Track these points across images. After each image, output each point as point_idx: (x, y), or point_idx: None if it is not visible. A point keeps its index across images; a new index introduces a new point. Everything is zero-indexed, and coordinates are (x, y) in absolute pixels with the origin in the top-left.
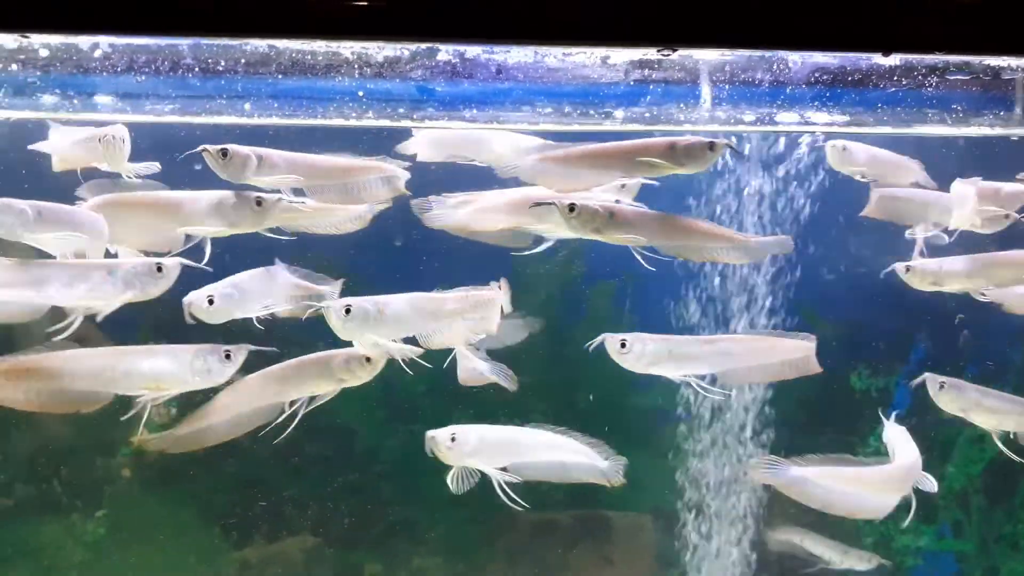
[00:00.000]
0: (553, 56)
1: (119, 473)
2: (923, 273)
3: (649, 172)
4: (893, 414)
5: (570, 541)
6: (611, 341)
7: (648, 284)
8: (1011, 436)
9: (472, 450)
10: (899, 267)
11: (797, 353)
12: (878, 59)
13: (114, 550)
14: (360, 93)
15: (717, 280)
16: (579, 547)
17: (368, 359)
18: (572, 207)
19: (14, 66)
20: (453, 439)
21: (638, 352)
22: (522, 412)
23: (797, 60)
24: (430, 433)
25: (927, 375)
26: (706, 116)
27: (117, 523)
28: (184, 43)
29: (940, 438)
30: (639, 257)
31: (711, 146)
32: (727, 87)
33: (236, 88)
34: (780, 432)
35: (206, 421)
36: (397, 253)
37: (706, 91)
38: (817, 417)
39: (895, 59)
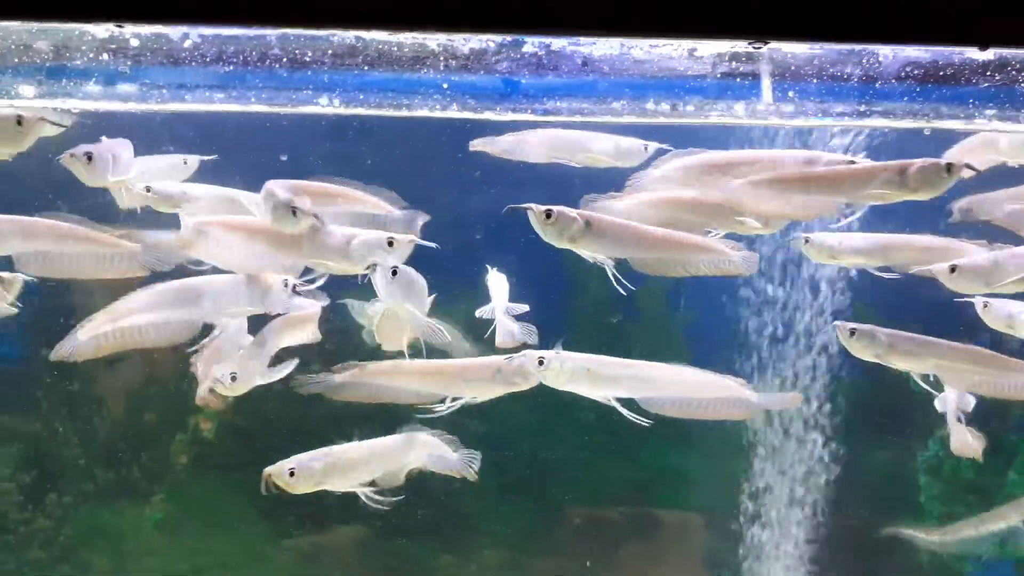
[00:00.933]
0: (639, 48)
1: (177, 461)
2: (820, 247)
3: (877, 200)
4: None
5: (620, 538)
6: (531, 357)
7: (705, 281)
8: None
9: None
10: (800, 240)
11: (726, 393)
12: (973, 54)
13: (170, 536)
14: (445, 85)
15: (777, 276)
16: (629, 545)
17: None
18: (549, 214)
19: (105, 56)
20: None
21: (556, 369)
22: (573, 409)
23: (888, 54)
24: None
25: (837, 323)
26: (789, 111)
27: (175, 510)
28: (272, 34)
29: (1003, 445)
30: (613, 277)
31: (948, 168)
32: (814, 82)
33: (322, 79)
34: (836, 432)
35: (370, 379)
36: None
37: (766, 84)
38: (875, 418)
39: (990, 54)
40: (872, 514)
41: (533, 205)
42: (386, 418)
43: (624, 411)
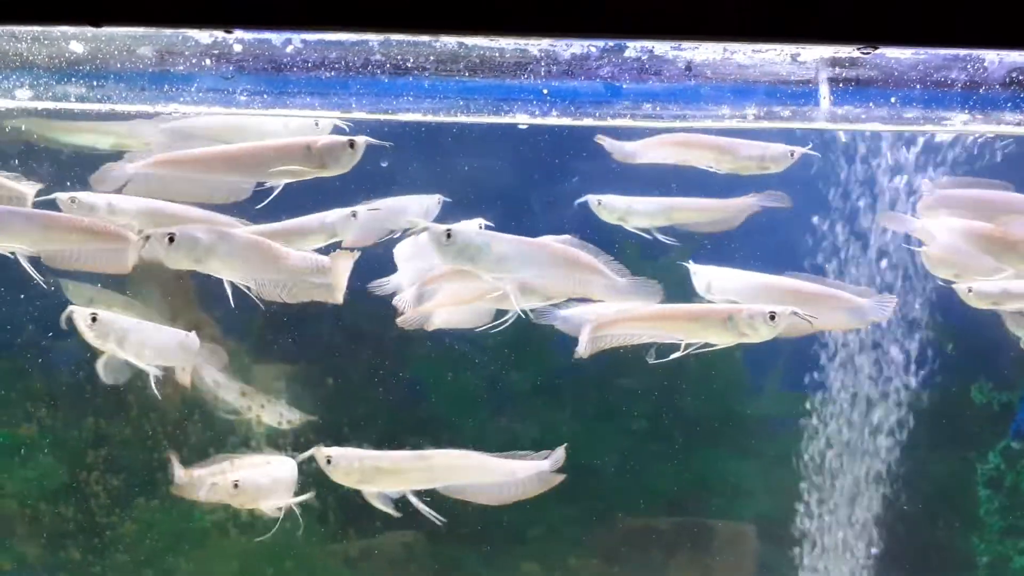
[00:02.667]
0: (742, 53)
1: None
2: (612, 209)
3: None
4: None
5: (670, 547)
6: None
7: None
8: None
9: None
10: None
11: (528, 472)
12: None
13: (220, 537)
14: (545, 91)
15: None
16: (679, 554)
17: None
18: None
19: (207, 61)
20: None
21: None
22: (625, 416)
23: (994, 60)
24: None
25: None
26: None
27: (224, 514)
28: (375, 39)
29: None
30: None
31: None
32: (918, 87)
33: (423, 85)
34: (894, 443)
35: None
36: None
37: (824, 90)
38: (935, 429)
39: None
40: (930, 527)
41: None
42: (440, 428)
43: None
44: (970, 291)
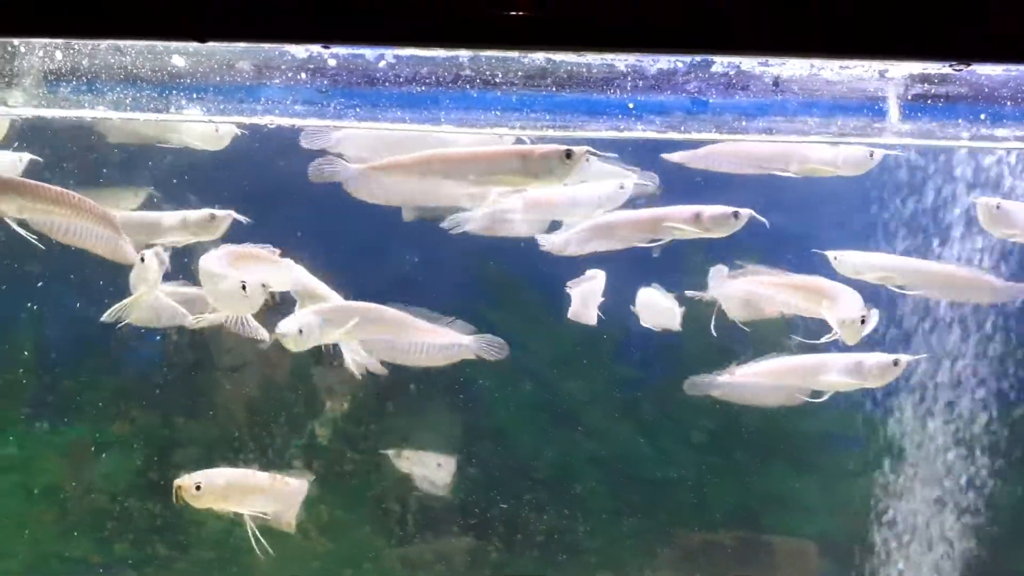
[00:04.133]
0: (830, 69)
1: (295, 466)
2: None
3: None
4: None
5: (732, 563)
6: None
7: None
8: None
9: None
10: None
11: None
12: None
13: (282, 541)
14: (631, 105)
15: None
16: (741, 570)
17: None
18: None
19: (303, 75)
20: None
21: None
22: (683, 429)
23: None
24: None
25: None
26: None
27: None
28: (464, 55)
29: None
30: None
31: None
32: (1009, 104)
33: (511, 100)
34: (968, 458)
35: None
36: None
37: (893, 105)
38: (1008, 447)
39: None
40: (1008, 546)
41: None
42: (497, 437)
43: None
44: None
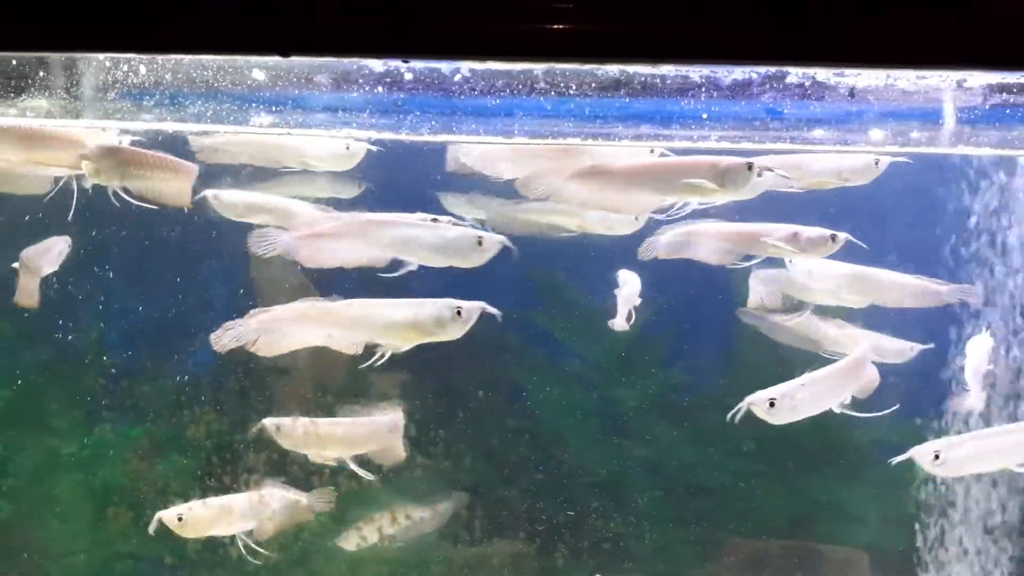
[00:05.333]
0: (906, 79)
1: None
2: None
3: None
4: None
5: (780, 572)
6: None
7: None
8: None
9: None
10: None
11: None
12: None
13: (327, 539)
14: (704, 115)
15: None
16: None
17: None
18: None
19: (380, 88)
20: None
21: None
22: (733, 438)
23: None
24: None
25: None
26: None
27: (331, 521)
28: (539, 68)
29: None
30: None
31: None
32: None
33: (584, 111)
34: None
35: None
36: None
37: (949, 110)
38: None
39: None
40: None
41: None
42: (548, 443)
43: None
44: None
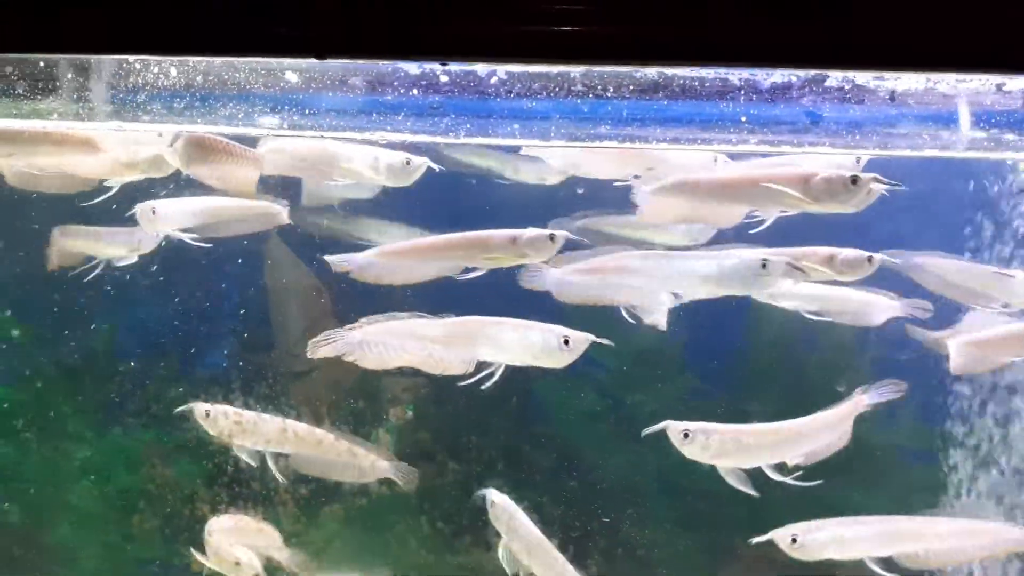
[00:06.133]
0: (945, 83)
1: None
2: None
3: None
4: None
5: None
6: None
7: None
8: None
9: None
10: None
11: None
12: None
13: (349, 541)
14: (743, 119)
15: None
16: None
17: None
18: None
19: (415, 91)
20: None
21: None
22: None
23: None
24: None
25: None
26: None
27: (349, 523)
28: (576, 71)
29: None
30: None
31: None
32: None
33: (622, 113)
34: None
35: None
36: None
37: (964, 113)
38: None
39: None
40: None
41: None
42: (561, 448)
43: None
44: None
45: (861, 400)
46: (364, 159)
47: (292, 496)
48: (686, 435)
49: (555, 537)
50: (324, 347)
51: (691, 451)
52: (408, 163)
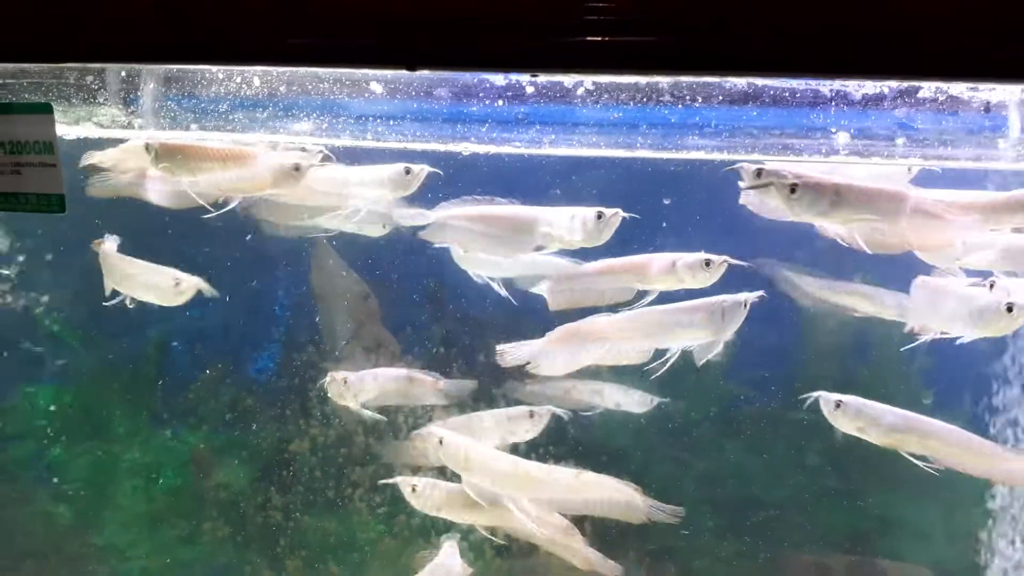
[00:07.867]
0: None
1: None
2: None
3: None
4: None
5: None
6: None
7: None
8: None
9: None
10: None
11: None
12: None
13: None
14: (833, 130)
15: None
16: None
17: None
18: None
19: (500, 102)
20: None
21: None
22: (799, 451)
23: None
24: None
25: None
26: None
27: (376, 527)
28: (664, 81)
29: None
30: None
31: None
32: None
33: (710, 122)
34: None
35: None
36: None
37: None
38: None
39: None
40: None
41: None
42: (605, 454)
43: None
44: None
45: None
46: (364, 176)
47: (344, 498)
48: (838, 405)
49: (599, 539)
50: (509, 356)
51: (840, 423)
52: (408, 172)
